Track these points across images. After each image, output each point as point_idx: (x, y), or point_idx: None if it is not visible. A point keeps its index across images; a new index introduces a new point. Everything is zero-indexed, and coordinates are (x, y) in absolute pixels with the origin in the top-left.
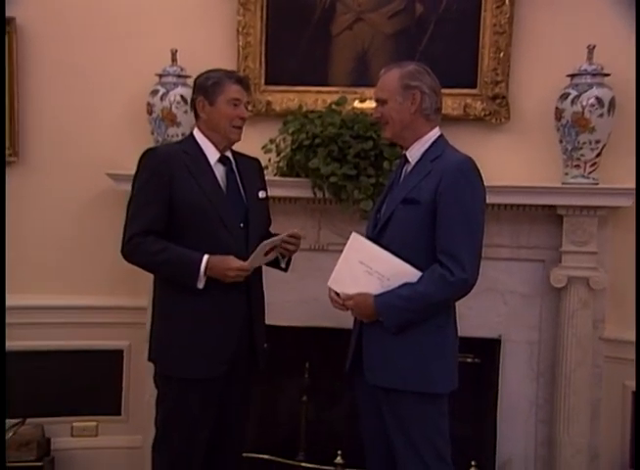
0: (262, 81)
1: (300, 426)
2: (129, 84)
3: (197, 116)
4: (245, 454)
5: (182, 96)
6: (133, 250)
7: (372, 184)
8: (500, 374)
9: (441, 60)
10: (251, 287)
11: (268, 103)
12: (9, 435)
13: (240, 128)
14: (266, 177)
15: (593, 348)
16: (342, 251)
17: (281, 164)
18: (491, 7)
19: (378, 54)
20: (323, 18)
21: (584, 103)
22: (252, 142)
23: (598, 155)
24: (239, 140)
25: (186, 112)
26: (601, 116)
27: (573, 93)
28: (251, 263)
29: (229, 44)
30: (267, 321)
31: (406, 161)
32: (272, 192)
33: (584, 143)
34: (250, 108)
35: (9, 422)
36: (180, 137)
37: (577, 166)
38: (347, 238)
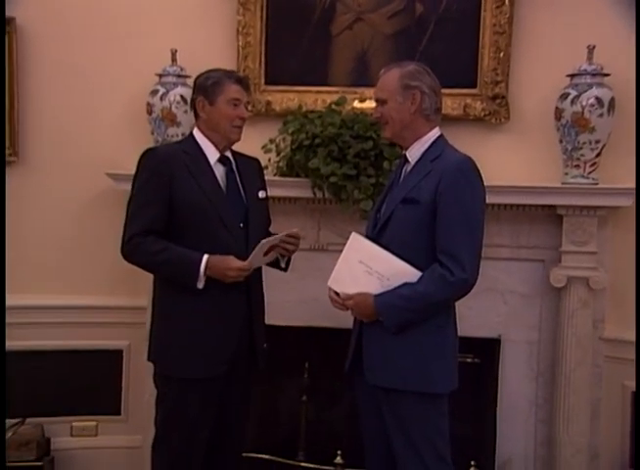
0: (262, 81)
1: (300, 426)
2: (129, 84)
3: (197, 115)
4: (245, 454)
5: (182, 96)
6: (133, 250)
7: (372, 184)
8: (500, 374)
9: (441, 60)
10: (250, 287)
11: (268, 103)
12: (9, 434)
13: (240, 128)
14: (266, 177)
15: (593, 347)
16: (341, 251)
17: (281, 164)
18: (491, 7)
19: (378, 54)
20: (323, 18)
21: (584, 103)
22: (252, 142)
23: (598, 155)
24: (239, 140)
25: (186, 111)
26: (601, 115)
27: (573, 93)
28: (250, 263)
29: (229, 44)
30: (267, 321)
31: (406, 160)
32: (272, 192)
33: (584, 143)
34: (249, 108)
35: (9, 422)
36: (180, 137)
37: (577, 166)
38: (347, 238)
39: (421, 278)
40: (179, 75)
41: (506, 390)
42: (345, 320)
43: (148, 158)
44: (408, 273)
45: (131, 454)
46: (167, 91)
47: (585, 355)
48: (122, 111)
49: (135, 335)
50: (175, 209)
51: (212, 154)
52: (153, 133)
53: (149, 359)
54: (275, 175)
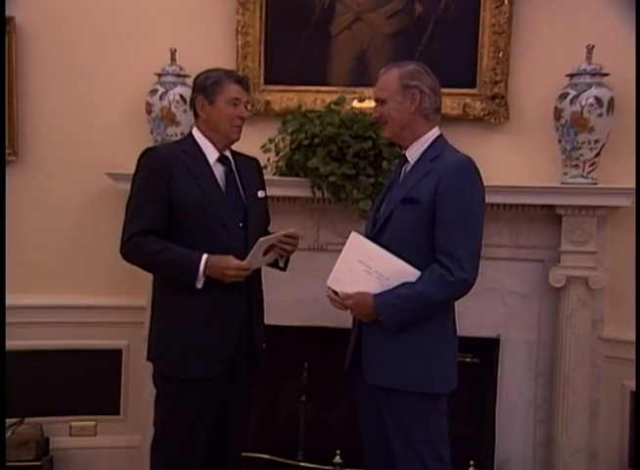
0: (261, 81)
1: (300, 426)
2: (129, 84)
3: (196, 115)
4: (244, 454)
5: (181, 95)
6: (132, 249)
7: (371, 184)
8: (499, 374)
9: (441, 60)
10: (250, 287)
11: (267, 102)
12: (8, 434)
13: (239, 128)
14: (265, 177)
15: (592, 347)
16: (341, 250)
17: (280, 164)
18: (490, 7)
19: (377, 54)
20: (322, 17)
21: (583, 103)
22: (252, 142)
23: (597, 154)
24: (238, 140)
25: (185, 111)
26: (600, 115)
27: (572, 93)
28: (249, 262)
29: (228, 44)
30: (267, 321)
31: (405, 160)
32: (271, 192)
33: (583, 143)
34: (249, 107)
35: (8, 421)
36: (179, 137)
37: (576, 166)
38: (347, 237)
39: (420, 278)
40: (178, 75)
41: (505, 390)
42: (345, 320)
43: (147, 157)
44: (408, 273)
45: (130, 454)
46: (167, 91)
47: (584, 355)
48: (122, 110)
49: (135, 335)
50: (174, 208)
51: (212, 153)
52: (152, 133)
53: (148, 359)
54: (274, 175)
